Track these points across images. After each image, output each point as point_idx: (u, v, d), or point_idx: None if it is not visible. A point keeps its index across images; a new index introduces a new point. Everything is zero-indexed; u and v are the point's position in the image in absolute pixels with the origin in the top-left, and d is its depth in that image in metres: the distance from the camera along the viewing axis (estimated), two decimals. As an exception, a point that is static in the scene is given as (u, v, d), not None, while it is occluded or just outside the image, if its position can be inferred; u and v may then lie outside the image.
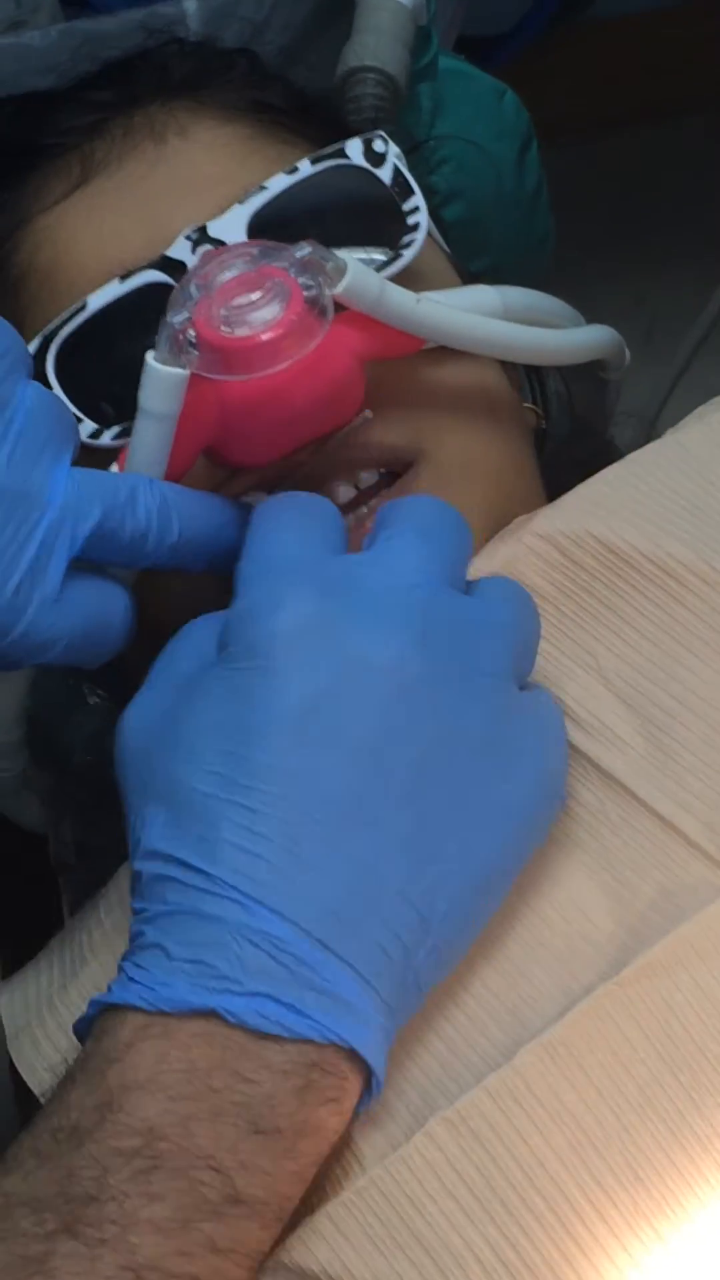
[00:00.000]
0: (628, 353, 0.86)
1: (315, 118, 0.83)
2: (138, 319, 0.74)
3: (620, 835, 0.64)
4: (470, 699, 0.61)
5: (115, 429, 0.75)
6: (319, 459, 0.72)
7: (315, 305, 0.68)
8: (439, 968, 0.60)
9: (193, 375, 0.67)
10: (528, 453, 0.80)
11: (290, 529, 0.65)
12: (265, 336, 0.67)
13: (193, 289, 0.68)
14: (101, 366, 0.75)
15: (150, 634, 0.68)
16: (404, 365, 0.74)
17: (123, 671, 0.72)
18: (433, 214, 0.93)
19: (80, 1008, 0.66)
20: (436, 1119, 0.59)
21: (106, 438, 0.75)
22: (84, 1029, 0.59)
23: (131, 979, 0.58)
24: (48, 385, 0.75)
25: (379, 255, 0.76)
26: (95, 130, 0.80)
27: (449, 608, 0.62)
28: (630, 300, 1.20)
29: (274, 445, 0.71)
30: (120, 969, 0.59)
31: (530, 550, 0.70)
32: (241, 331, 0.67)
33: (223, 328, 0.67)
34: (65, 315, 0.75)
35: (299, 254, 0.69)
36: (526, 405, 0.83)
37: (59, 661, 0.65)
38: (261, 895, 0.57)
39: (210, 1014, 0.56)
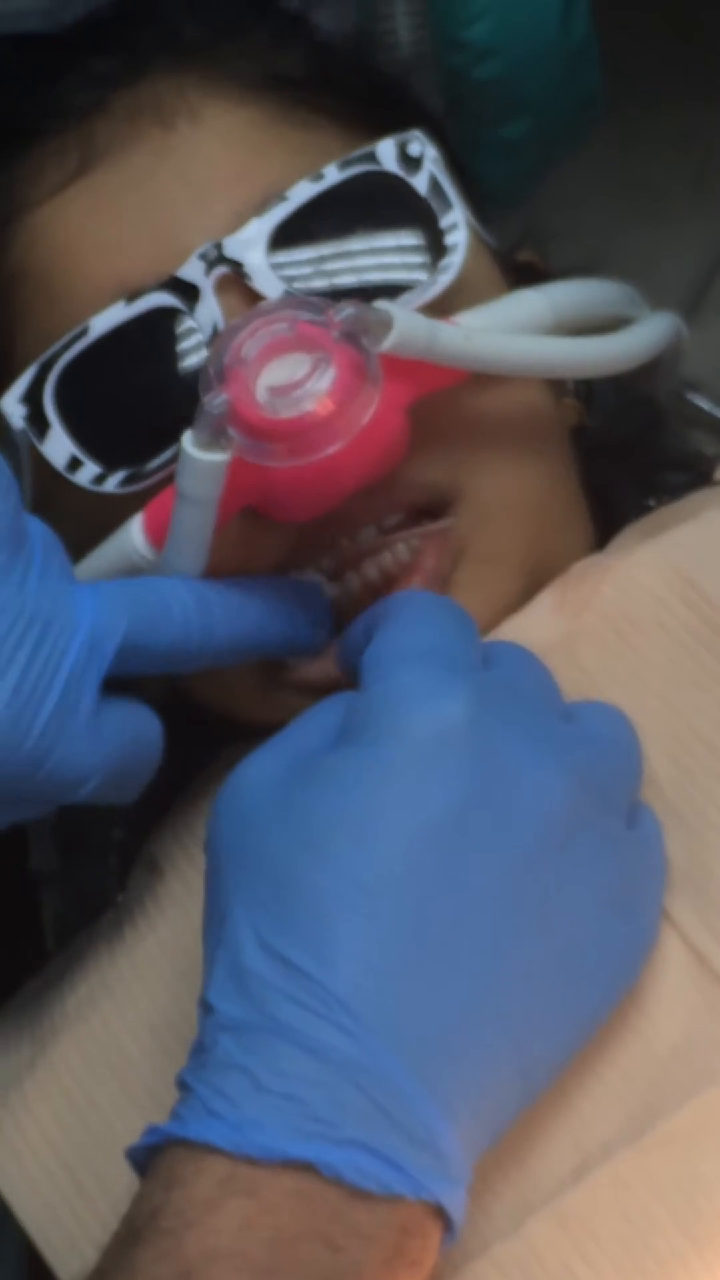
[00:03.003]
0: (685, 330, 0.77)
1: (339, 86, 0.73)
2: (145, 346, 0.67)
3: (651, 964, 0.58)
4: (604, 842, 0.56)
5: (121, 474, 0.68)
6: (352, 502, 0.65)
7: (363, 372, 0.61)
8: (519, 1108, 0.55)
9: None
10: (569, 471, 0.73)
11: (436, 622, 0.59)
12: (314, 419, 0.60)
13: (226, 359, 0.61)
14: (106, 400, 0.68)
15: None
16: (444, 395, 0.66)
17: None
18: (466, 73, 0.84)
19: (49, 1088, 0.63)
20: None
21: (111, 483, 0.68)
22: (144, 1158, 0.54)
23: (212, 1111, 0.52)
24: (45, 420, 0.68)
25: (412, 279, 0.68)
26: (96, 106, 0.71)
27: (581, 742, 0.57)
28: (679, 133, 1.08)
29: (315, 508, 0.64)
30: (188, 1086, 0.53)
31: (589, 633, 0.64)
32: (288, 413, 0.60)
33: (265, 410, 0.60)
34: (65, 340, 0.68)
35: (340, 315, 0.61)
36: (567, 400, 0.75)
37: (94, 798, 0.60)
38: (376, 1021, 0.51)
39: (303, 1165, 0.51)
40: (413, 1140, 0.51)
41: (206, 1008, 0.54)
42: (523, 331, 0.68)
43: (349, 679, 0.62)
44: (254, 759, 0.58)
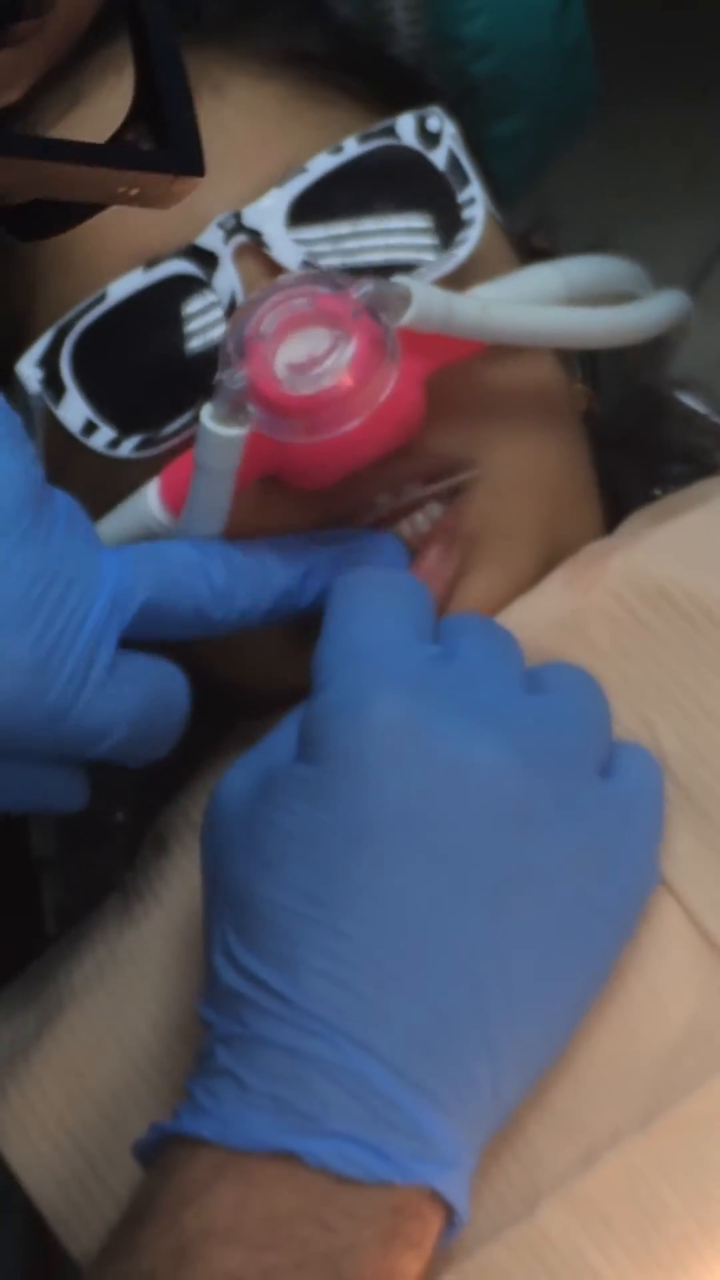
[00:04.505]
0: (691, 308, 0.78)
1: (358, 63, 0.74)
2: (162, 312, 0.67)
3: (659, 945, 0.59)
4: (564, 807, 0.57)
5: (136, 438, 0.68)
6: (369, 472, 0.65)
7: (382, 347, 0.61)
8: (526, 1086, 0.57)
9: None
10: (581, 449, 0.73)
11: (374, 611, 0.60)
12: (332, 394, 0.60)
13: (245, 334, 0.61)
14: (122, 365, 0.68)
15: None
16: (460, 367, 0.66)
17: None
18: (462, 68, 0.84)
19: (54, 1060, 0.64)
20: (450, 1272, 0.56)
21: (126, 448, 0.68)
22: (146, 1154, 0.56)
23: (203, 1109, 0.54)
24: (62, 384, 0.68)
25: (429, 255, 0.69)
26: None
27: (535, 711, 0.58)
28: (671, 134, 1.09)
29: (332, 478, 0.65)
30: (188, 1091, 0.56)
31: (599, 609, 0.64)
32: (306, 390, 0.60)
33: (284, 386, 0.60)
34: (83, 305, 0.68)
35: (359, 291, 0.61)
36: (577, 385, 0.76)
37: (121, 753, 0.61)
38: (347, 1027, 0.54)
39: (290, 1156, 0.53)
40: (396, 1129, 0.53)
41: (203, 1022, 0.56)
42: (538, 303, 0.68)
43: None
44: (230, 774, 0.60)
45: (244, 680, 0.70)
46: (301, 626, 0.65)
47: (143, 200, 0.59)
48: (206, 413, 0.62)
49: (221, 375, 0.61)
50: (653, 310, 0.73)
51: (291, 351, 0.61)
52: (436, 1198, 0.54)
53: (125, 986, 0.66)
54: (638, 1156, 0.56)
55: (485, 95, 0.85)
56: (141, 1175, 0.56)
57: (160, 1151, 0.55)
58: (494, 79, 0.85)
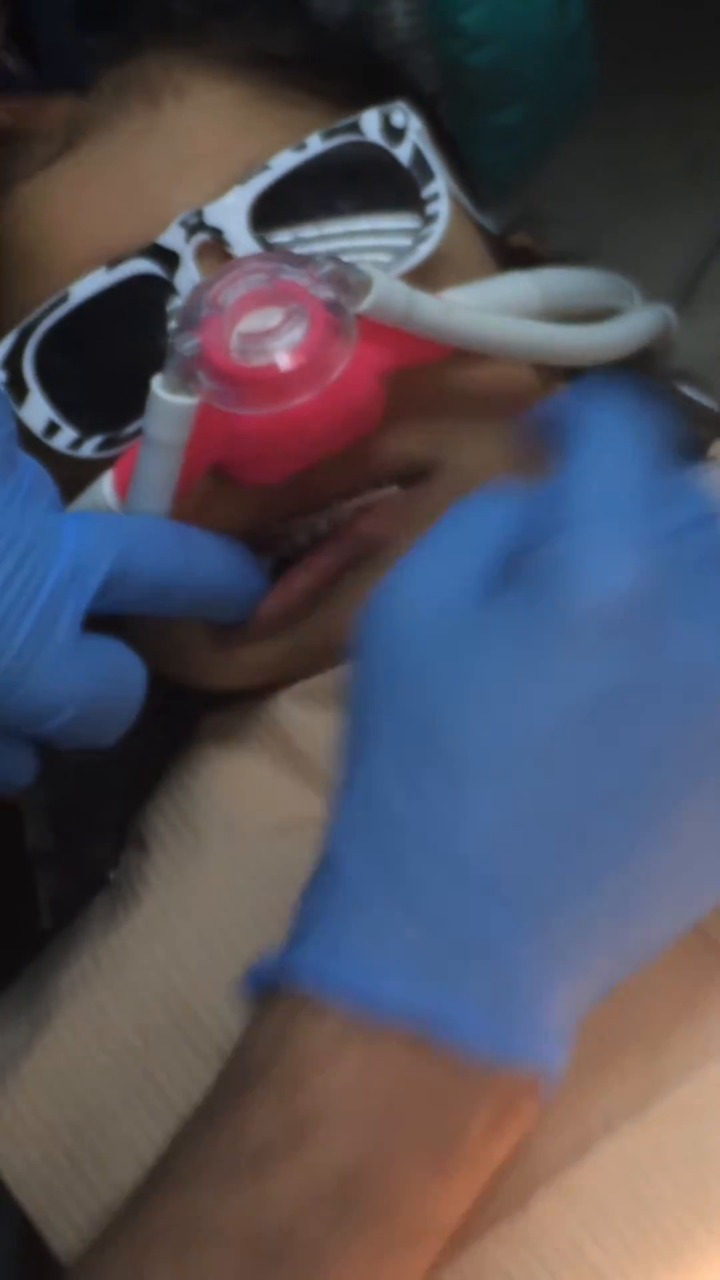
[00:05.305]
0: (675, 321, 0.77)
1: (330, 66, 0.74)
2: (125, 312, 0.67)
3: None
4: None
5: (98, 438, 0.68)
6: (325, 470, 0.65)
7: (338, 328, 0.61)
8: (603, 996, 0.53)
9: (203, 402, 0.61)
10: None
11: (630, 449, 0.54)
12: (283, 368, 0.60)
13: (202, 307, 0.61)
14: (85, 365, 0.68)
15: None
16: (427, 369, 0.66)
17: None
18: (461, 59, 0.84)
19: (44, 1069, 0.63)
20: (447, 1270, 0.54)
21: (88, 448, 0.68)
22: (259, 985, 0.52)
23: (337, 953, 0.50)
24: (25, 385, 0.68)
25: (392, 250, 0.68)
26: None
27: None
28: (670, 128, 1.09)
29: (284, 467, 0.64)
30: (311, 927, 0.51)
31: None
32: (258, 361, 0.60)
33: (236, 356, 0.60)
34: (46, 306, 0.68)
35: (319, 271, 0.61)
36: (558, 385, 0.74)
37: (69, 734, 0.59)
38: (505, 888, 0.50)
39: (423, 1023, 0.50)
40: (524, 1005, 0.50)
41: (332, 858, 0.52)
42: (510, 312, 0.68)
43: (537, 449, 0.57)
44: (411, 578, 0.54)
45: (174, 681, 0.69)
46: (225, 626, 0.66)
47: (15, 129, 0.57)
48: (157, 382, 0.62)
49: (174, 341, 0.61)
50: (624, 330, 0.72)
51: (247, 326, 0.61)
52: (534, 1085, 0.51)
53: (108, 990, 0.65)
54: (632, 1146, 0.55)
55: (483, 85, 0.86)
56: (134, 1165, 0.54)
57: (275, 996, 0.51)
58: (492, 69, 0.86)
